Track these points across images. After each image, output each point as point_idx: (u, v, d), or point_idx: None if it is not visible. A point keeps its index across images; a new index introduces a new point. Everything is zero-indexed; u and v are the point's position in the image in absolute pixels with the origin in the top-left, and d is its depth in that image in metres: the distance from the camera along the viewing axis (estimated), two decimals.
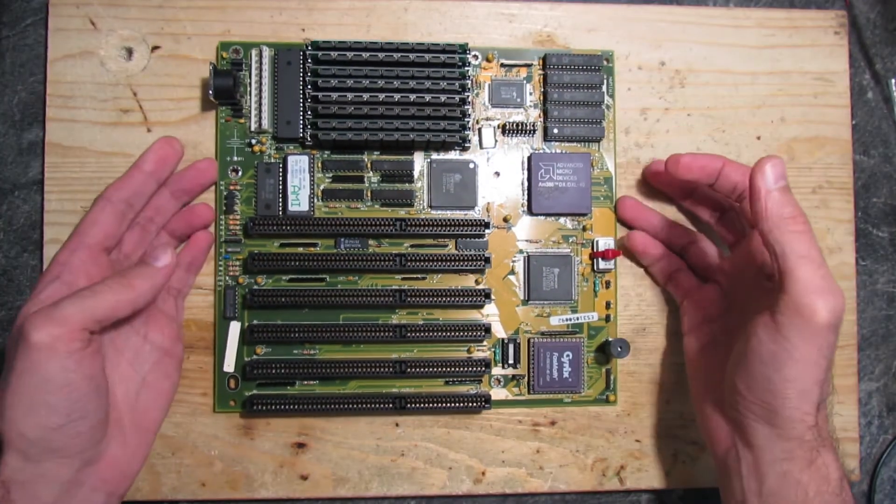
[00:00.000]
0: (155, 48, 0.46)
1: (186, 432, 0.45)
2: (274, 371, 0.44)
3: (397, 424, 0.46)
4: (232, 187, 0.46)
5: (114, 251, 0.41)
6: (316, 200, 0.46)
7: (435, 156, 0.47)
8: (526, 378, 0.47)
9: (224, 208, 0.46)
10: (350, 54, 0.44)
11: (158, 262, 0.38)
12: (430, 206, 0.46)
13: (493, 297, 0.46)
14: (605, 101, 0.48)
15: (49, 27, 0.46)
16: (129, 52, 0.46)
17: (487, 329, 0.45)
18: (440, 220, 0.45)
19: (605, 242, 0.47)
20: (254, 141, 0.46)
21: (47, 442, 0.34)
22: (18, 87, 0.47)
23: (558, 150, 0.48)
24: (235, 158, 0.46)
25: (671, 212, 0.48)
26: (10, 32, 0.47)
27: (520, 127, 0.47)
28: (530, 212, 0.47)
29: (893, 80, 0.49)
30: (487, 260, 0.45)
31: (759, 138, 0.49)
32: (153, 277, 0.38)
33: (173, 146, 0.44)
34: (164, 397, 0.42)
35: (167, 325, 0.43)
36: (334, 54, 0.44)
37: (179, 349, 0.44)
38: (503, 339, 0.47)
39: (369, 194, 0.46)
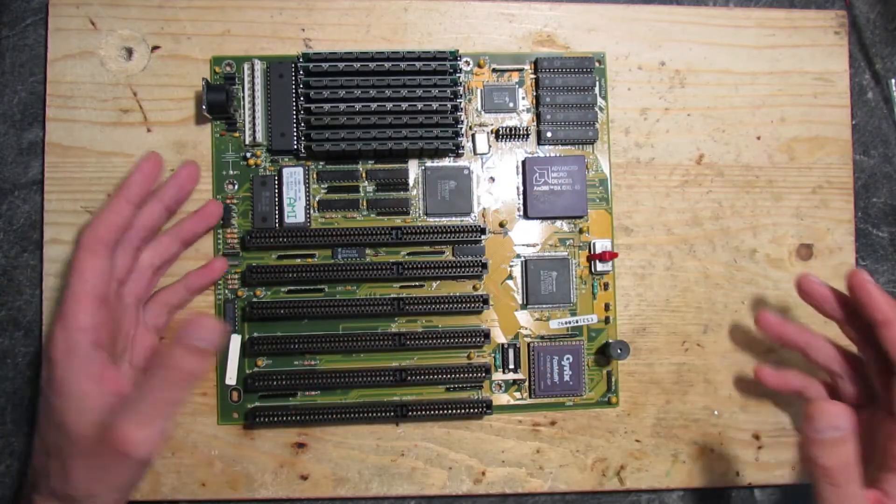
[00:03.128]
0: (155, 48, 0.46)
1: (186, 432, 0.45)
2: (275, 383, 0.44)
3: (397, 424, 0.46)
4: (228, 201, 0.46)
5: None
6: (312, 211, 0.46)
7: (429, 163, 0.47)
8: (527, 382, 0.47)
9: (221, 222, 0.46)
10: (341, 65, 0.44)
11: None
12: (426, 214, 0.46)
13: (491, 302, 0.46)
14: (598, 103, 0.48)
15: (49, 27, 0.46)
16: (129, 52, 0.46)
17: (487, 335, 0.45)
18: (436, 227, 0.45)
19: (602, 245, 0.47)
20: (249, 154, 0.46)
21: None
22: (18, 87, 0.47)
23: (552, 154, 0.48)
24: (231, 172, 0.46)
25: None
26: (10, 32, 0.47)
27: (513, 131, 0.47)
28: (526, 216, 0.47)
29: (893, 80, 0.49)
30: (485, 265, 0.45)
31: (759, 138, 0.49)
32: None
33: (155, 164, 0.42)
34: None
35: (150, 340, 0.43)
36: (326, 65, 0.44)
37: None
38: (503, 345, 0.47)
39: (365, 204, 0.46)
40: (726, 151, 0.49)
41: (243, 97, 0.46)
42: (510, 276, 0.47)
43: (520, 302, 0.47)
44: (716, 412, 0.48)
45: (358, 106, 0.44)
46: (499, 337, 0.47)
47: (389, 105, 0.44)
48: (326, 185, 0.46)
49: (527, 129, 0.47)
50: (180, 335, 0.35)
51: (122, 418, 0.35)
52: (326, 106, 0.44)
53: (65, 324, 0.37)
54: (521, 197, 0.47)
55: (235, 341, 0.45)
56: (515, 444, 0.47)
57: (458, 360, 0.46)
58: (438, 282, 0.46)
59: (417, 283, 0.46)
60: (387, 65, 0.44)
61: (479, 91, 0.47)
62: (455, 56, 0.45)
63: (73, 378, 0.36)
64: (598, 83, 0.48)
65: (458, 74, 0.45)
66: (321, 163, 0.46)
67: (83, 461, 0.36)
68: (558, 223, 0.47)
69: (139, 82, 0.46)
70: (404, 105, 0.44)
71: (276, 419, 0.44)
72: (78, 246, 0.38)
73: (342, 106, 0.44)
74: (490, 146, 0.47)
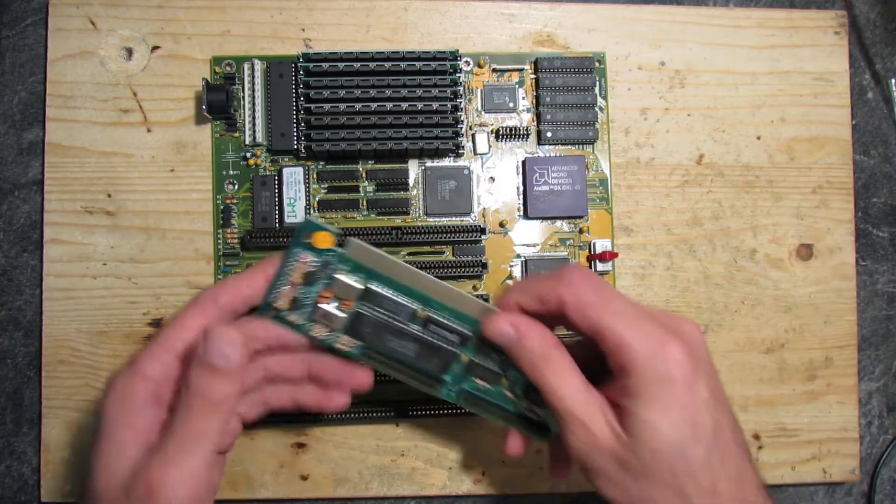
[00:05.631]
0: (155, 48, 0.46)
1: None
2: None
3: (397, 424, 0.46)
4: (228, 201, 0.46)
5: None
6: (312, 211, 0.46)
7: (429, 163, 0.47)
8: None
9: (221, 222, 0.46)
10: (341, 65, 0.44)
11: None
12: (426, 214, 0.46)
13: (491, 302, 0.46)
14: (598, 103, 0.48)
15: (49, 27, 0.46)
16: (129, 52, 0.46)
17: None
18: (436, 227, 0.45)
19: (603, 245, 0.47)
20: (248, 154, 0.46)
21: None
22: (18, 87, 0.47)
23: (552, 154, 0.48)
24: (231, 172, 0.46)
25: None
26: (10, 32, 0.47)
27: (513, 131, 0.47)
28: (526, 216, 0.47)
29: (893, 80, 0.49)
30: (485, 265, 0.45)
31: (759, 138, 0.49)
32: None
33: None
34: (215, 488, 0.36)
35: (235, 424, 0.37)
36: (326, 65, 0.44)
37: (231, 441, 0.38)
38: None
39: (365, 204, 0.46)
40: (726, 151, 0.49)
41: (243, 97, 0.46)
42: (510, 276, 0.47)
43: None
44: None
45: (358, 106, 0.44)
46: None
47: (389, 105, 0.44)
48: (326, 185, 0.46)
49: (527, 129, 0.47)
50: (197, 353, 0.32)
51: (149, 461, 0.31)
52: (326, 106, 0.44)
53: (131, 369, 0.33)
54: (521, 197, 0.47)
55: None
56: None
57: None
58: None
59: None
60: (387, 65, 0.44)
61: (479, 91, 0.47)
62: (455, 56, 0.45)
63: (118, 425, 0.33)
64: (598, 83, 0.48)
65: (458, 74, 0.45)
66: (321, 163, 0.46)
67: None
68: (558, 223, 0.47)
69: (139, 82, 0.46)
70: (404, 105, 0.44)
71: (276, 419, 0.43)
72: (191, 301, 0.35)
73: (342, 106, 0.44)
74: (490, 146, 0.47)
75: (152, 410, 0.33)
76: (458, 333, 0.36)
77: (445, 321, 0.36)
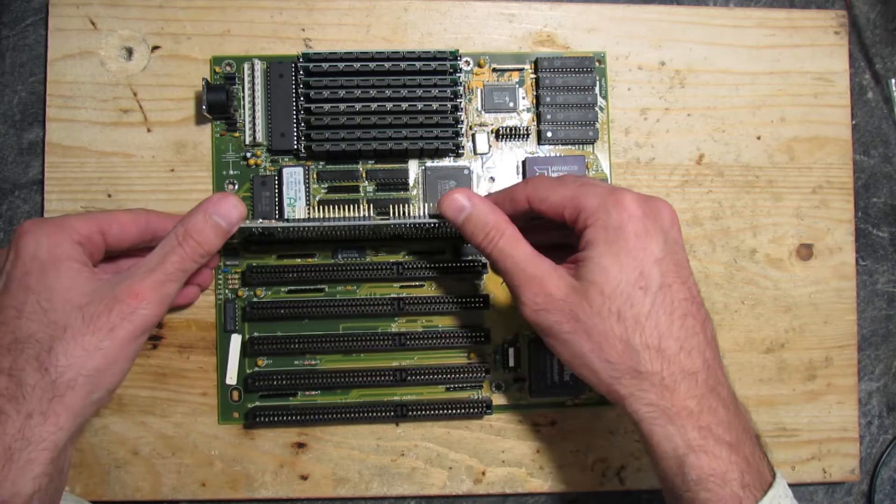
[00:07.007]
0: (155, 48, 0.46)
1: (186, 432, 0.45)
2: (275, 382, 0.44)
3: (397, 424, 0.46)
4: None
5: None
6: (312, 211, 0.46)
7: (429, 163, 0.47)
8: (527, 382, 0.47)
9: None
10: (341, 65, 0.44)
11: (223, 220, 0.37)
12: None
13: (491, 302, 0.46)
14: (599, 103, 0.48)
15: (49, 27, 0.46)
16: (129, 52, 0.46)
17: (487, 335, 0.45)
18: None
19: None
20: (249, 154, 0.46)
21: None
22: (18, 87, 0.47)
23: (552, 154, 0.48)
24: (231, 172, 0.46)
25: None
26: (10, 32, 0.47)
27: (513, 131, 0.47)
28: None
29: (893, 80, 0.49)
30: (485, 265, 0.45)
31: (759, 138, 0.49)
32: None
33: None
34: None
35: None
36: (326, 65, 0.44)
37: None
38: (503, 344, 0.47)
39: (365, 204, 0.46)
40: (726, 151, 0.49)
41: (243, 97, 0.46)
42: None
43: None
44: None
45: (358, 106, 0.44)
46: (499, 336, 0.47)
47: (389, 105, 0.44)
48: (326, 185, 0.46)
49: (527, 129, 0.47)
50: (203, 205, 0.37)
51: (131, 274, 0.35)
52: (326, 106, 0.44)
53: (62, 220, 0.36)
54: None
55: (236, 341, 0.45)
56: (515, 444, 0.47)
57: (458, 360, 0.46)
58: (438, 282, 0.46)
59: (418, 283, 0.46)
60: (387, 65, 0.44)
61: (479, 91, 0.47)
62: (455, 56, 0.45)
63: (62, 259, 0.35)
64: (598, 83, 0.48)
65: (458, 74, 0.45)
66: (321, 163, 0.46)
67: (75, 337, 0.33)
68: None
69: (139, 82, 0.46)
70: (404, 105, 0.44)
71: (276, 419, 0.44)
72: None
73: (342, 106, 0.44)
74: (490, 146, 0.47)
75: (84, 251, 0.36)
76: None
77: None
